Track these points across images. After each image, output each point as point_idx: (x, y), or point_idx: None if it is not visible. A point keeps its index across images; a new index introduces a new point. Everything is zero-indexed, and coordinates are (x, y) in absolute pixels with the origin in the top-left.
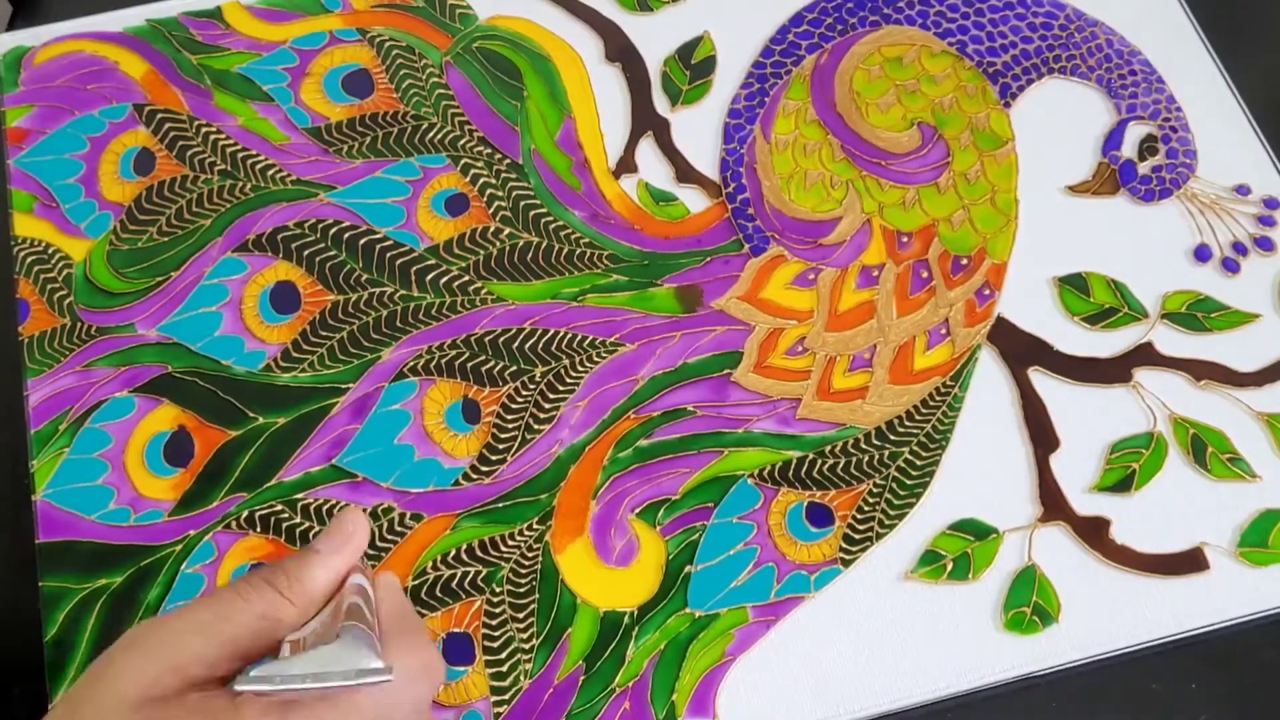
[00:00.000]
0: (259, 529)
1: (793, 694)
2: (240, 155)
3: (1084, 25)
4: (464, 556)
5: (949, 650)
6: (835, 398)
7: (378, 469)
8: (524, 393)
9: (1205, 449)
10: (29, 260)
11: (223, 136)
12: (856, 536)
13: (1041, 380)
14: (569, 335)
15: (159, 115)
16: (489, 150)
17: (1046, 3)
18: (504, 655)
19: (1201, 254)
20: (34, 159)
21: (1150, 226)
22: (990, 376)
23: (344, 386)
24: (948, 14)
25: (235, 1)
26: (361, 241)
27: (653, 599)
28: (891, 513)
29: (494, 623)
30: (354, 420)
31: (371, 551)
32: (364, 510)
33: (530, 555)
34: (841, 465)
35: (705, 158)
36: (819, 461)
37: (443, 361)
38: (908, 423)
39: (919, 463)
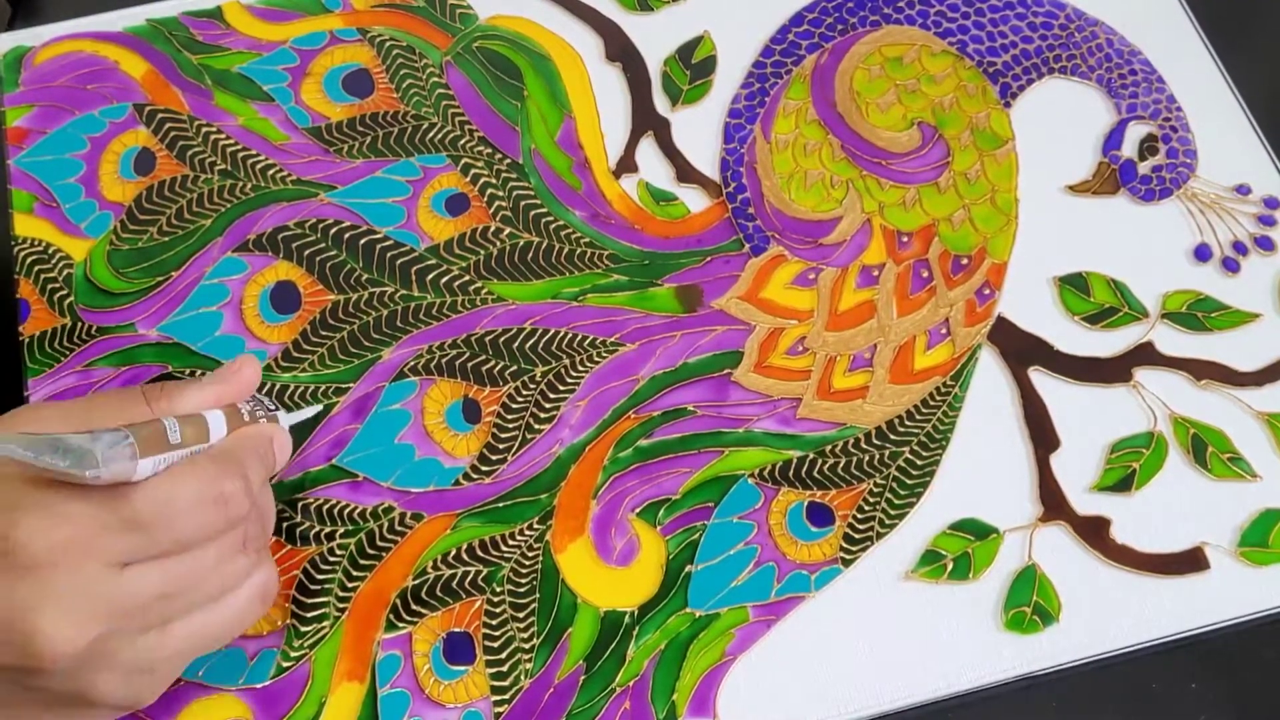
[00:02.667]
0: None
1: (793, 694)
2: (240, 155)
3: (1084, 25)
4: (464, 556)
5: (949, 650)
6: (835, 397)
7: (378, 469)
8: (524, 392)
9: (1205, 449)
10: (29, 260)
11: (223, 136)
12: (857, 536)
13: (1042, 380)
14: (569, 335)
15: (159, 115)
16: (489, 150)
17: (1046, 2)
18: (504, 655)
19: (1201, 254)
20: (34, 159)
21: (1150, 226)
22: (990, 376)
23: (345, 386)
24: (948, 14)
25: (235, 1)
26: (362, 241)
27: (653, 599)
28: (892, 512)
29: (494, 622)
30: (354, 420)
31: (372, 551)
32: (257, 362)
33: (531, 555)
34: (842, 465)
35: (705, 158)
36: (819, 461)
37: (443, 361)
38: (908, 422)
39: (919, 462)
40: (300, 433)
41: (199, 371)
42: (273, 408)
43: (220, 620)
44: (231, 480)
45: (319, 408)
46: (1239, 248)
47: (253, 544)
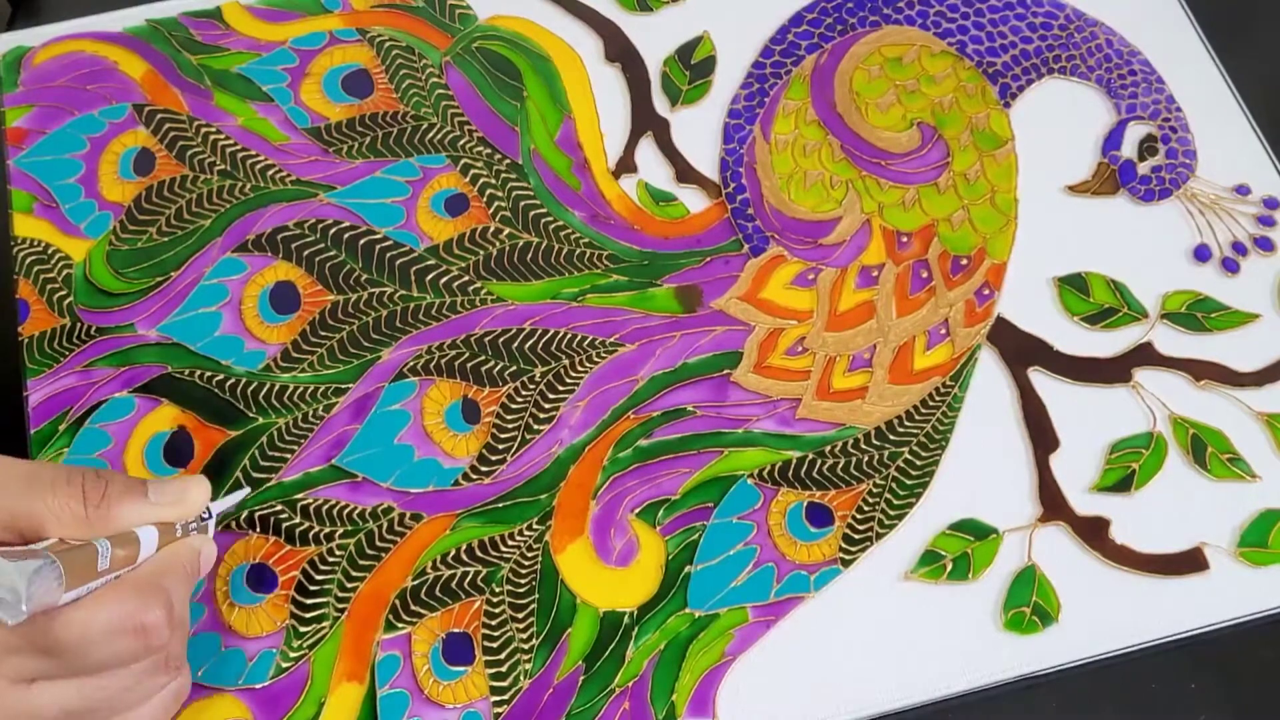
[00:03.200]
0: (259, 529)
1: (793, 694)
2: (240, 155)
3: (1084, 25)
4: (464, 556)
5: (949, 650)
6: (835, 398)
7: (378, 469)
8: (524, 393)
9: (1205, 449)
10: (29, 260)
11: (222, 136)
12: (856, 536)
13: (1041, 380)
14: (569, 335)
15: (159, 115)
16: (489, 150)
17: (1046, 3)
18: (504, 655)
19: (1201, 254)
20: (34, 159)
21: (1150, 226)
22: (990, 376)
23: (344, 386)
24: (948, 14)
25: (235, 1)
26: (361, 241)
27: (653, 599)
28: (891, 513)
29: (494, 623)
30: (354, 420)
31: (371, 552)
32: (207, 485)
33: (530, 555)
34: (841, 465)
35: (705, 158)
36: (819, 461)
37: (443, 361)
38: (908, 423)
39: (919, 463)
40: (300, 433)
41: (198, 372)
42: (206, 515)
43: None
44: (154, 611)
45: (247, 491)
46: (1238, 248)
47: (172, 661)
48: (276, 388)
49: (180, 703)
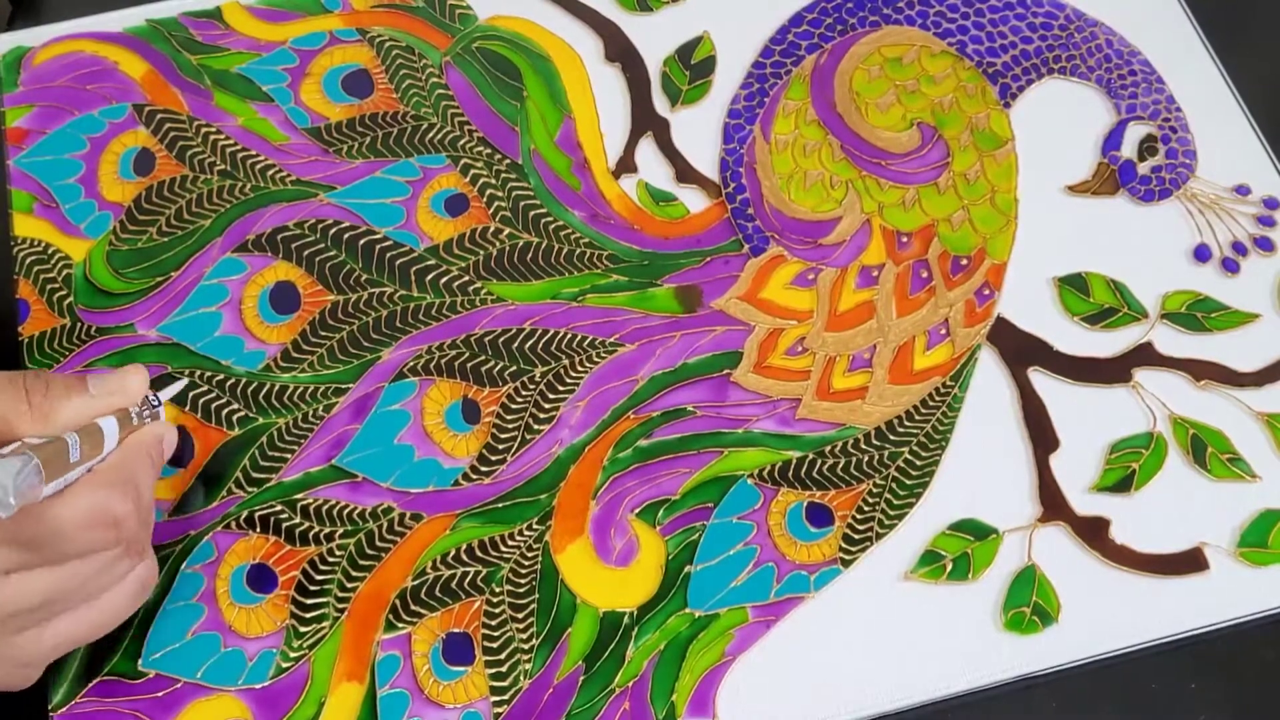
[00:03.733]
0: (259, 529)
1: (793, 694)
2: (240, 155)
3: (1084, 25)
4: (464, 557)
5: (949, 650)
6: (835, 398)
7: (378, 469)
8: (524, 393)
9: (1205, 449)
10: (29, 260)
11: (223, 137)
12: (856, 536)
13: (1041, 380)
14: (569, 335)
15: (159, 115)
16: (489, 150)
17: (1046, 3)
18: (504, 655)
19: (1201, 254)
20: (34, 159)
21: (1150, 226)
22: (990, 376)
23: (344, 386)
24: (948, 14)
25: (235, 1)
26: (361, 242)
27: (653, 599)
28: (891, 513)
29: (494, 623)
30: (354, 420)
31: (371, 552)
32: (145, 372)
33: (530, 555)
34: (841, 465)
35: (705, 158)
36: (819, 461)
37: (443, 361)
38: (908, 423)
39: (919, 463)
40: (300, 433)
41: (198, 372)
42: (155, 403)
43: (98, 617)
44: (124, 501)
45: (185, 381)
46: (1238, 248)
47: (135, 546)
48: (276, 388)
49: (148, 590)
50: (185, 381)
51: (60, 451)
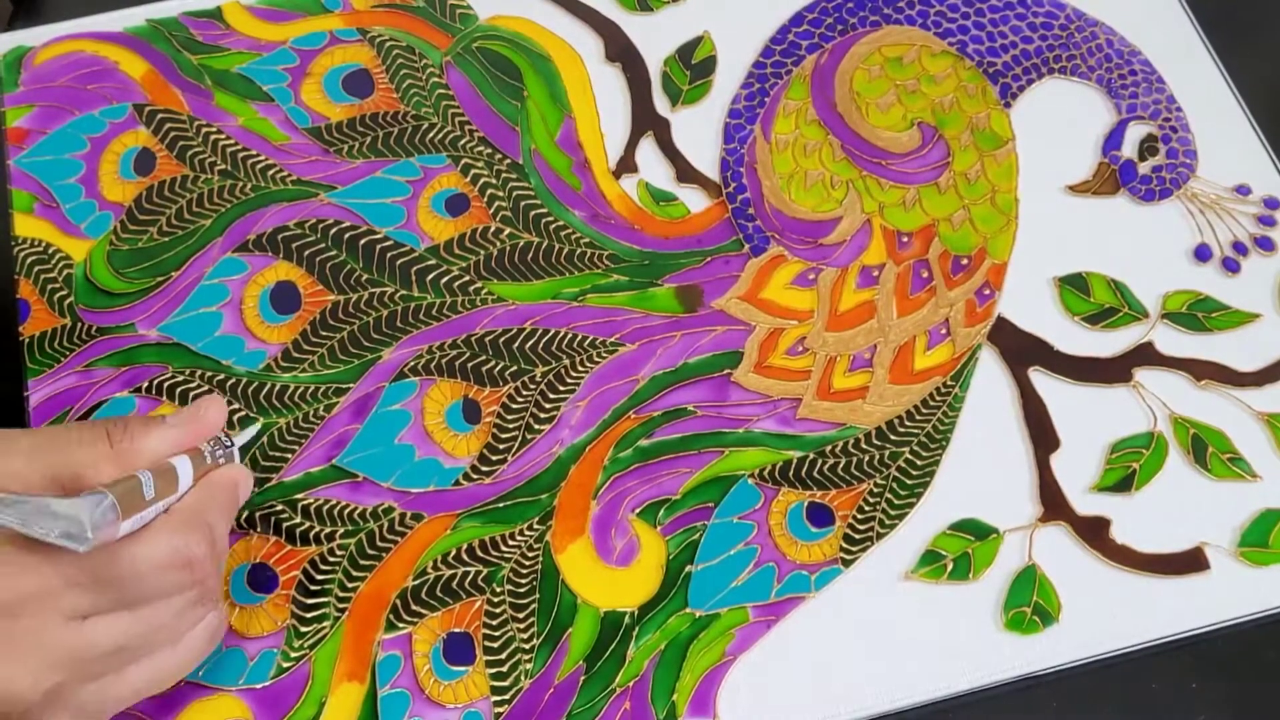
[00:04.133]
0: (259, 529)
1: (793, 694)
2: (240, 155)
3: (1084, 25)
4: (464, 556)
5: (949, 650)
6: (835, 398)
7: (378, 469)
8: (524, 393)
9: (1205, 449)
10: (29, 260)
11: (223, 136)
12: (857, 536)
13: (1042, 380)
14: (569, 335)
15: (159, 115)
16: (489, 150)
17: (1046, 3)
18: (504, 655)
19: (1201, 254)
20: (34, 159)
21: (1150, 226)
22: (990, 376)
23: (345, 386)
24: (948, 14)
25: (235, 1)
26: (362, 241)
27: (653, 599)
28: (892, 513)
29: (494, 623)
30: (354, 420)
31: (372, 551)
32: (222, 402)
33: (531, 555)
34: (842, 465)
35: (705, 158)
36: (819, 461)
37: (443, 361)
38: (908, 423)
39: (919, 463)
40: (301, 433)
41: (198, 373)
42: (228, 443)
43: (172, 665)
44: (199, 544)
45: (258, 426)
46: (1239, 248)
47: (209, 594)
48: (277, 388)
49: (218, 639)
50: (259, 426)
51: (134, 490)
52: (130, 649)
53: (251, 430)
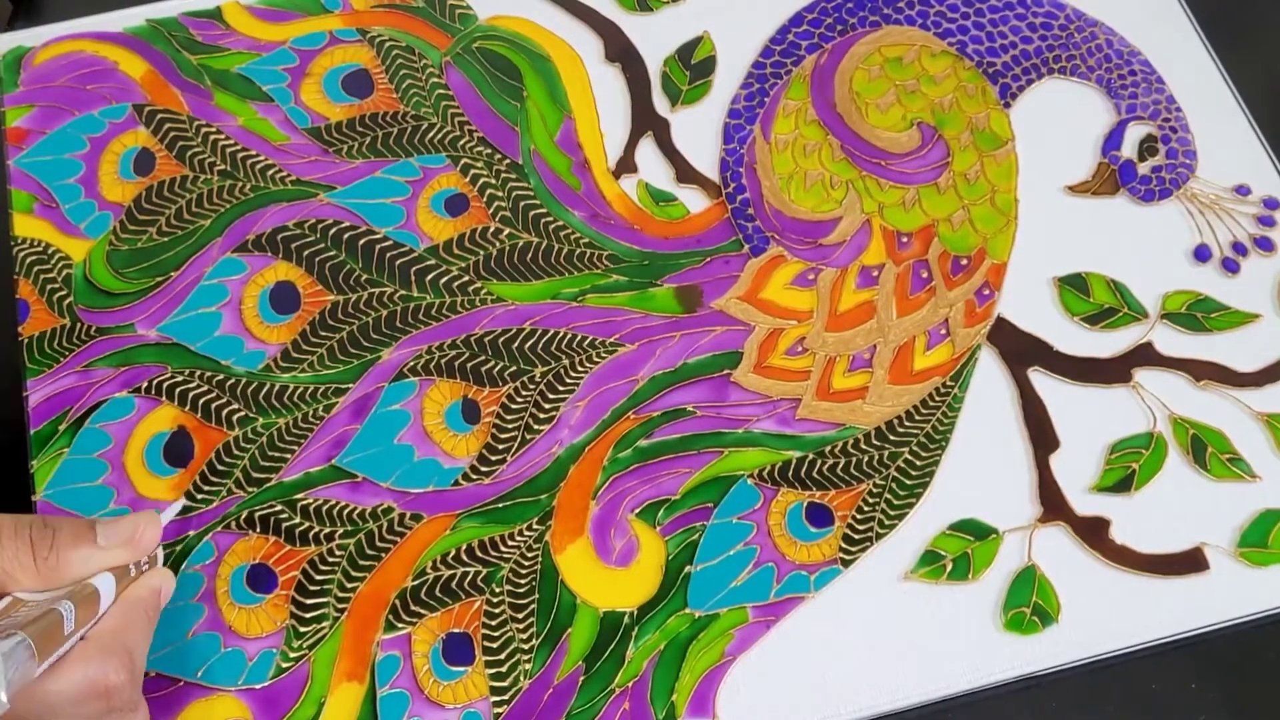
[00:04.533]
0: (259, 529)
1: (793, 694)
2: (240, 155)
3: (1084, 25)
4: (464, 557)
5: (949, 650)
6: (835, 398)
7: (378, 469)
8: (524, 393)
9: (1205, 449)
10: (29, 260)
11: (223, 137)
12: (856, 537)
13: (1041, 380)
14: (569, 335)
15: (159, 115)
16: (489, 150)
17: (1046, 3)
18: (504, 655)
19: (1201, 254)
20: (34, 159)
21: (1150, 226)
22: (990, 376)
23: (344, 386)
24: (948, 14)
25: (235, 1)
26: (361, 241)
27: (653, 599)
28: (891, 513)
29: (494, 623)
30: (354, 420)
31: (371, 552)
32: (159, 521)
33: (530, 555)
34: (841, 465)
35: (705, 158)
36: (819, 462)
37: (443, 361)
38: (908, 423)
39: (919, 463)
40: (300, 433)
41: (197, 372)
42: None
43: None
44: (117, 671)
45: (181, 503)
46: (1239, 248)
47: (128, 706)
48: (276, 388)
49: None
50: (182, 503)
51: (54, 625)
52: None
53: (175, 508)
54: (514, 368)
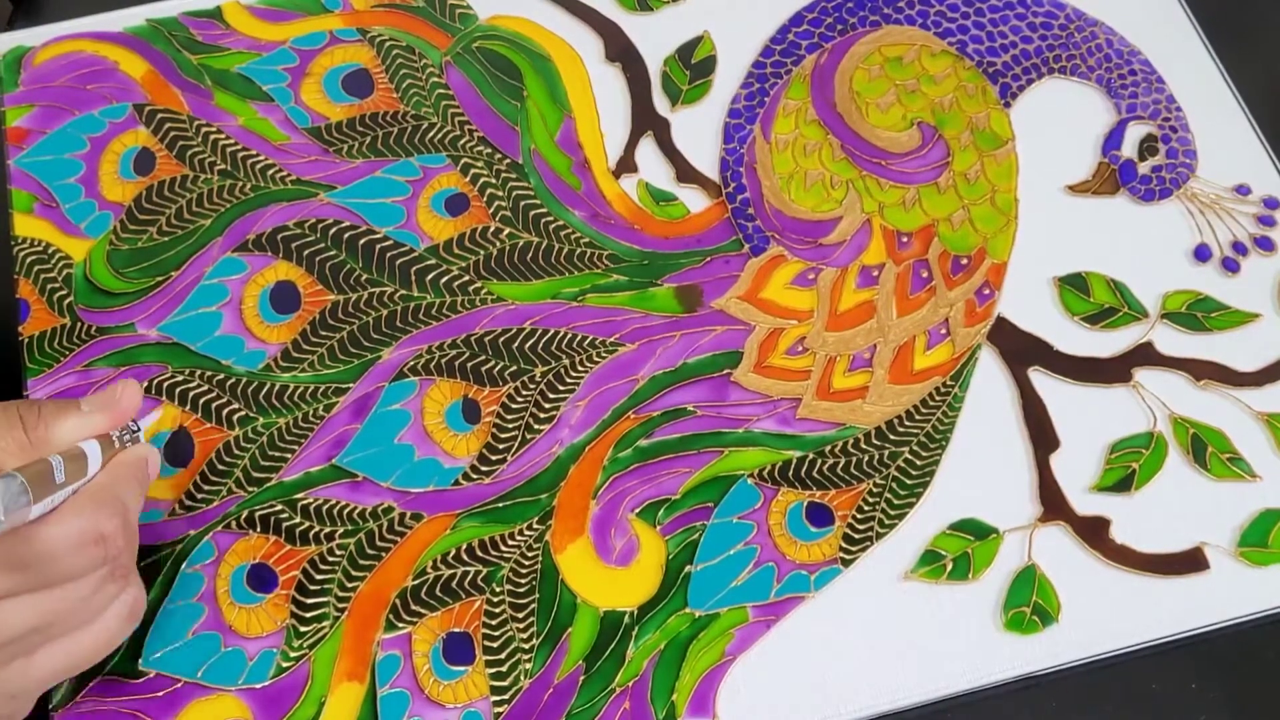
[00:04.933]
0: (259, 529)
1: (793, 694)
2: (240, 155)
3: (1084, 25)
4: (464, 556)
5: (949, 650)
6: (835, 398)
7: (378, 469)
8: (524, 392)
9: (1205, 449)
10: (29, 260)
11: (223, 136)
12: (856, 536)
13: (1041, 380)
14: (569, 335)
15: (159, 115)
16: (489, 150)
17: (1046, 3)
18: (504, 655)
19: (1201, 254)
20: (34, 159)
21: (1150, 226)
22: (990, 376)
23: (344, 386)
24: (948, 14)
25: (235, 1)
26: (361, 241)
27: (653, 599)
28: (891, 513)
29: (494, 622)
30: (354, 420)
31: (372, 551)
32: (138, 386)
33: (530, 555)
34: (841, 465)
35: (705, 158)
36: (819, 461)
37: (443, 361)
38: (908, 423)
39: (919, 463)
40: (300, 433)
41: (198, 372)
42: (135, 428)
43: (87, 645)
44: (111, 519)
45: (161, 410)
46: (1239, 248)
47: (121, 567)
48: (277, 387)
49: (137, 618)
50: (162, 410)
51: (45, 473)
52: (44, 630)
53: (157, 413)
54: (514, 367)
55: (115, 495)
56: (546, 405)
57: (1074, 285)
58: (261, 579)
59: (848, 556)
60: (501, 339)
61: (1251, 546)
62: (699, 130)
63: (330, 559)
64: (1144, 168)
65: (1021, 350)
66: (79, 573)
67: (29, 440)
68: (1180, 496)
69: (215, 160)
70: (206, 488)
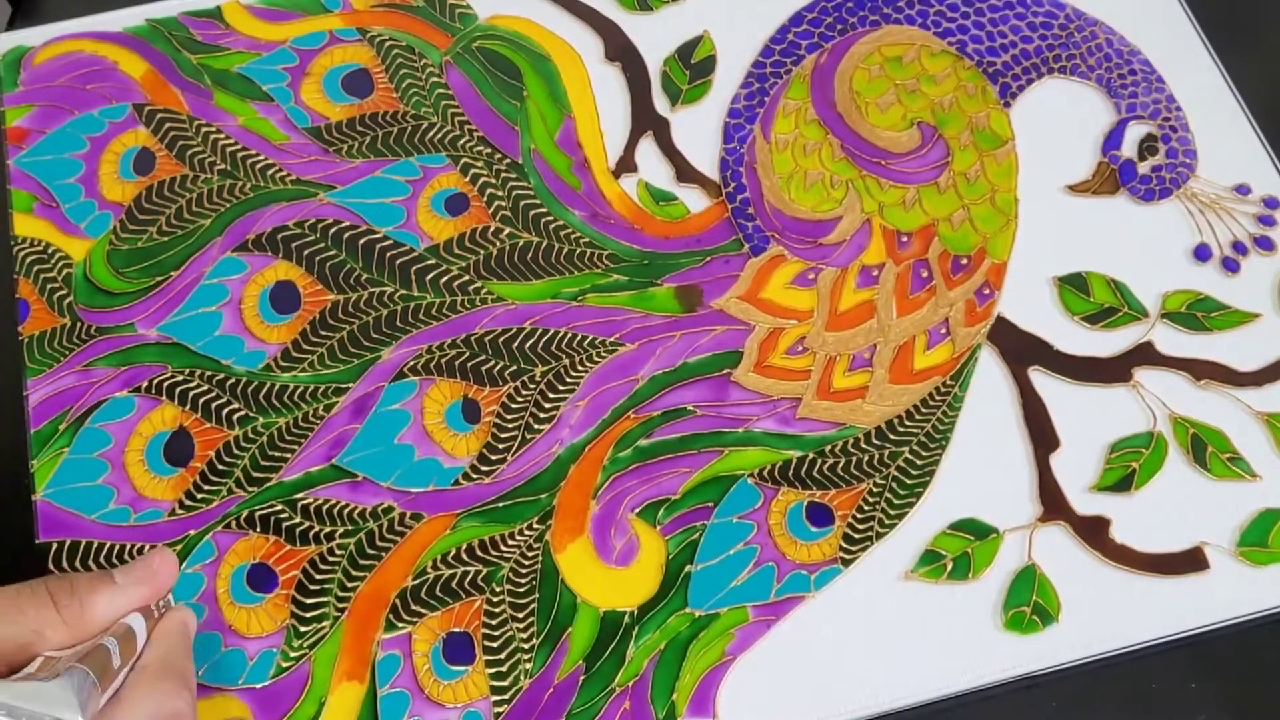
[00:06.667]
0: (259, 529)
1: (793, 694)
2: (240, 155)
3: (1084, 25)
4: (464, 556)
5: (949, 650)
6: (835, 397)
7: (378, 469)
8: (524, 392)
9: (1205, 449)
10: (29, 260)
11: (223, 136)
12: (856, 536)
13: (1041, 380)
14: (569, 335)
15: (159, 115)
16: (489, 150)
17: (1046, 2)
18: (504, 655)
19: (1201, 254)
20: (34, 159)
21: (1150, 226)
22: (990, 376)
23: (344, 386)
24: (948, 14)
25: (235, 1)
26: (361, 241)
27: (653, 599)
28: (891, 512)
29: (494, 622)
30: (354, 420)
31: (372, 551)
32: (175, 551)
33: (530, 555)
34: (841, 465)
35: (705, 157)
36: (819, 461)
37: (443, 361)
38: (908, 422)
39: (919, 462)
40: (300, 433)
41: (198, 372)
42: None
43: None
44: (180, 696)
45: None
46: (1239, 248)
47: None
48: (276, 387)
49: None
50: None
51: (105, 661)
52: None
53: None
54: (514, 367)
55: (175, 669)
56: (546, 405)
57: (1074, 285)
58: (261, 579)
59: (848, 556)
60: (501, 339)
61: (1251, 546)
62: (699, 130)
63: (330, 559)
64: (1144, 167)
65: (1021, 350)
66: None
67: (64, 619)
68: (1180, 496)
69: (215, 160)
70: (206, 488)
